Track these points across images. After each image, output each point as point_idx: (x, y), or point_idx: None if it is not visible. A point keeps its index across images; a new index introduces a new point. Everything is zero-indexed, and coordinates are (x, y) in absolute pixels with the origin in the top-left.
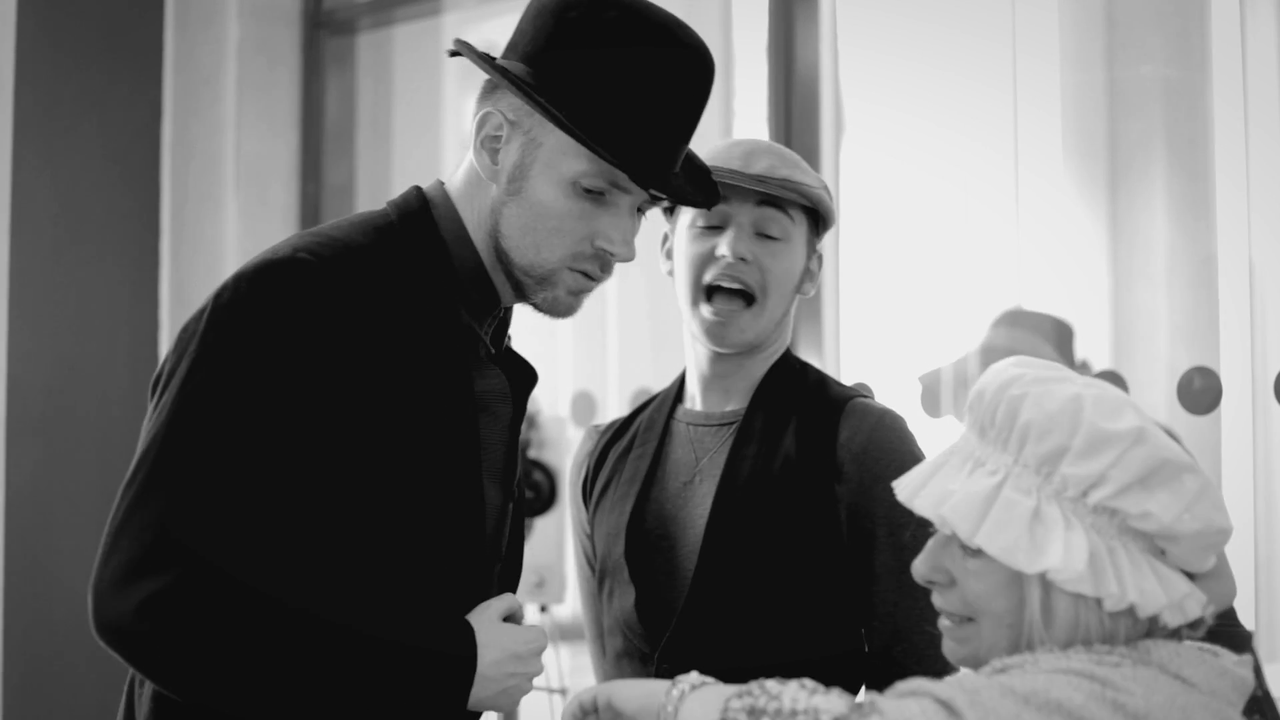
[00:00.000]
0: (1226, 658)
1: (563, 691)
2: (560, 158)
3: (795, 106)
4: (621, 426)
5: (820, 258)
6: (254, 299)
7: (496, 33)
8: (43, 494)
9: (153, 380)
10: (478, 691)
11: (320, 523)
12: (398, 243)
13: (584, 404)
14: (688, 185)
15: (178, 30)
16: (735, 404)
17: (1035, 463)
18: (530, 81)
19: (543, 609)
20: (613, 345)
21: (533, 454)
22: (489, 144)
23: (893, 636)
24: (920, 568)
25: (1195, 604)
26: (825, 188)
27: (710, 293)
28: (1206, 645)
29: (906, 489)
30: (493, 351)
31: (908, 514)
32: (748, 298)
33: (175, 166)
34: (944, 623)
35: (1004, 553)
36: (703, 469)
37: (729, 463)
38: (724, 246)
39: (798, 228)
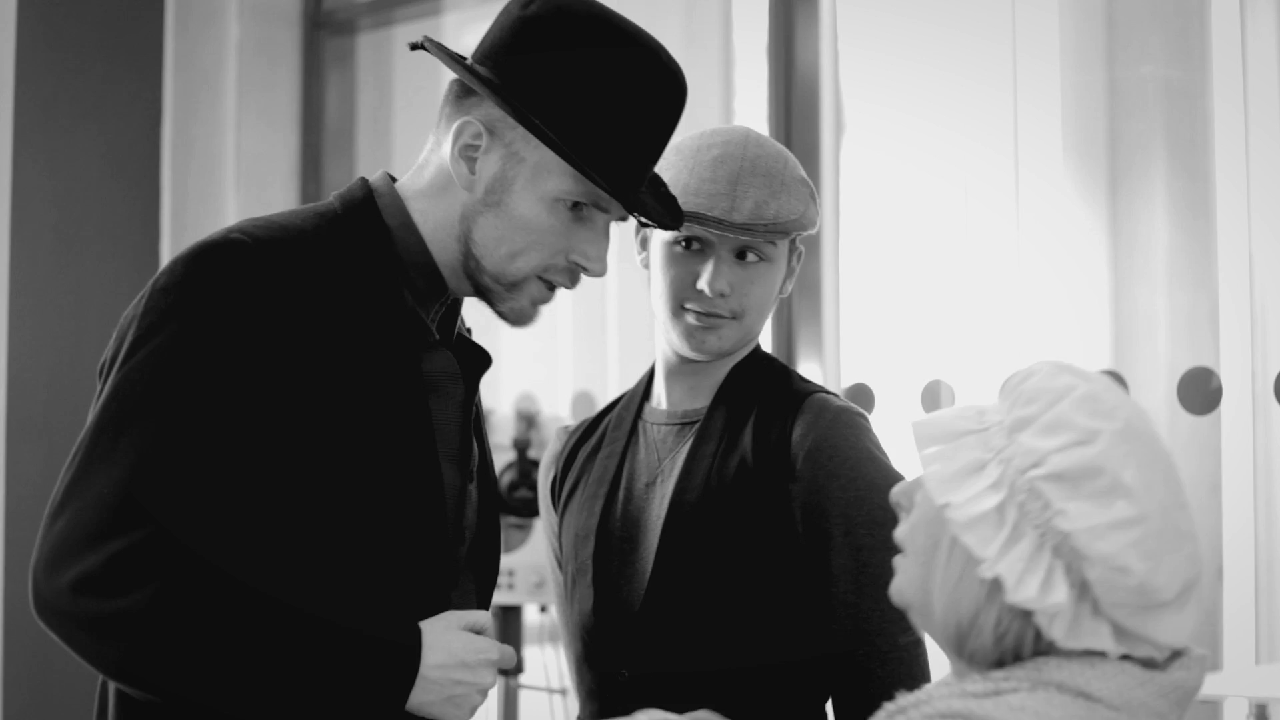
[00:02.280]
0: (1175, 669)
1: (563, 692)
2: (545, 175)
3: (795, 106)
4: (590, 427)
5: (800, 253)
6: (189, 279)
7: None
8: (44, 494)
9: (98, 369)
10: (419, 694)
11: (271, 499)
12: (339, 227)
13: (584, 404)
14: (657, 204)
15: (178, 30)
16: (700, 402)
17: (1008, 425)
18: (513, 96)
19: (543, 609)
20: (613, 345)
21: (533, 454)
22: (466, 153)
23: (854, 639)
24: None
25: (1083, 632)
26: (811, 193)
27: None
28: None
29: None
30: (436, 337)
31: (863, 513)
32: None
33: (175, 166)
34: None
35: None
36: (664, 469)
37: (686, 463)
38: (704, 280)
39: (780, 247)
